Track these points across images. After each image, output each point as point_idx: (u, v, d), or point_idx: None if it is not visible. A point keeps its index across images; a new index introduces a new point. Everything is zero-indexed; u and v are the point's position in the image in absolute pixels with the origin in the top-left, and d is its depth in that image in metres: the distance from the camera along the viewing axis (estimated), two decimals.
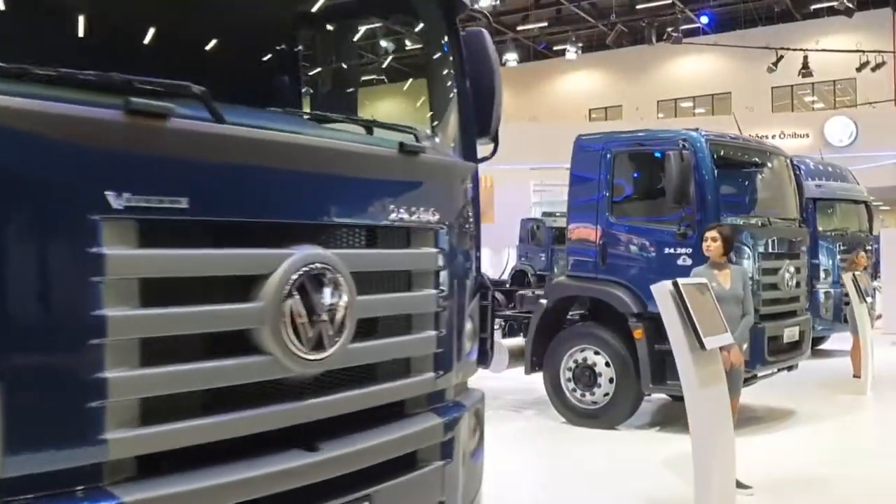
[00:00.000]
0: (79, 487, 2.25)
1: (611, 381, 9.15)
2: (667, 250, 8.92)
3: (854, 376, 12.21)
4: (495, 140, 4.08)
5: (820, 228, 15.82)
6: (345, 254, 2.86)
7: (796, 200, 10.37)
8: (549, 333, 9.80)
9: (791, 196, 10.29)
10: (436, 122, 3.82)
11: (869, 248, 16.82)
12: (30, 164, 2.16)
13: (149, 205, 2.34)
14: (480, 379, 11.43)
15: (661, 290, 5.15)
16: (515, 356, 10.16)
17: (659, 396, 10.14)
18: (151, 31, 3.05)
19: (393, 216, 3.12)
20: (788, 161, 10.44)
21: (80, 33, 3.02)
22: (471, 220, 3.72)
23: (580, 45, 39.74)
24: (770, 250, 9.27)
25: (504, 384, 11.54)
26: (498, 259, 29.12)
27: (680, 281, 5.23)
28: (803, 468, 7.86)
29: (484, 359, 3.89)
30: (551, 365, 9.62)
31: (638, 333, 8.70)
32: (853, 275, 11.84)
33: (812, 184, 15.72)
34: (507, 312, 11.82)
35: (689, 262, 8.75)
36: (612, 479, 7.44)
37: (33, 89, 2.20)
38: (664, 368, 8.55)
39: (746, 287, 6.68)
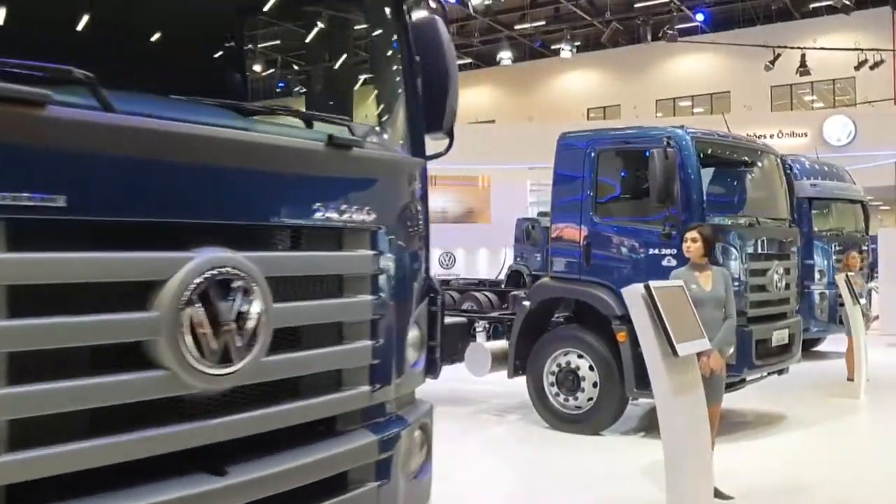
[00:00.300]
0: None
1: (595, 385, 8.89)
2: (651, 251, 8.67)
3: (848, 379, 11.97)
4: (450, 136, 3.82)
5: (815, 228, 15.57)
6: (259, 257, 2.60)
7: (787, 200, 10.10)
8: (534, 336, 9.55)
9: (781, 196, 10.02)
10: (384, 116, 3.57)
11: (865, 248, 16.56)
12: None
13: (18, 203, 2.09)
14: (467, 383, 11.19)
15: (633, 294, 4.89)
16: (499, 359, 9.91)
17: (646, 401, 9.88)
18: (50, 14, 2.76)
19: (319, 215, 2.87)
20: (779, 160, 10.17)
21: None
22: (418, 219, 3.48)
23: (577, 43, 39.70)
24: (758, 251, 9.01)
25: (489, 388, 11.31)
26: (495, 259, 28.95)
27: (653, 284, 4.97)
28: (789, 475, 7.61)
29: (433, 368, 3.62)
30: (535, 368, 9.37)
31: (622, 336, 8.43)
32: (846, 276, 11.57)
33: (807, 183, 15.47)
34: (494, 314, 11.58)
35: (673, 263, 8.48)
36: (592, 485, 7.18)
37: None
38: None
39: (729, 289, 6.41)
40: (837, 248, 15.52)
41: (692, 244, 6.37)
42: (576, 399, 9.04)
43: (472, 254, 33.88)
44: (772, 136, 31.44)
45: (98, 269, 2.27)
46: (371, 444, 3.04)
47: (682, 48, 40.60)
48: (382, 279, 3.14)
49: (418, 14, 3.81)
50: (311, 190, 2.87)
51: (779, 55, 26.99)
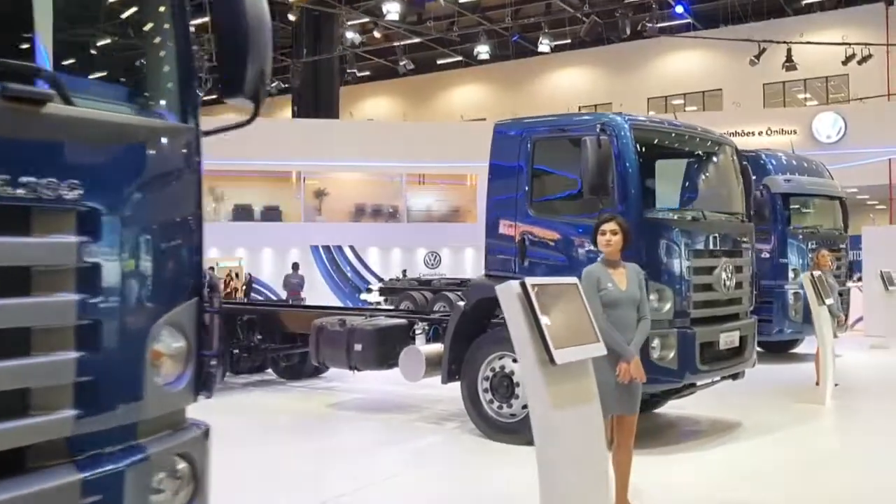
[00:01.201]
0: None
1: None
2: (589, 248, 8.01)
3: (816, 384, 11.31)
4: (256, 101, 3.13)
5: (790, 226, 14.91)
6: None
7: (742, 194, 9.41)
8: (470, 339, 8.90)
9: (736, 189, 9.36)
10: (136, 71, 2.92)
11: (842, 246, 15.89)
12: None
13: None
14: (411, 387, 10.58)
15: (507, 292, 4.23)
16: (434, 363, 9.28)
17: None
18: None
19: None
20: (734, 151, 9.49)
21: None
22: (177, 202, 2.81)
23: (567, 41, 39.04)
24: (704, 247, 8.34)
25: (431, 393, 10.70)
26: (482, 259, 28.37)
27: (532, 281, 4.30)
28: (728, 490, 6.97)
29: (208, 384, 2.96)
30: (468, 373, 8.73)
31: None
32: (811, 275, 10.90)
33: (781, 178, 14.82)
34: (434, 316, 10.95)
35: None
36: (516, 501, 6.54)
37: None
38: None
39: (642, 287, 5.75)
40: (813, 246, 14.86)
41: (612, 237, 5.69)
42: (510, 406, 8.41)
43: (459, 253, 33.28)
44: (761, 134, 30.83)
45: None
46: (72, 485, 2.39)
47: (674, 46, 40.12)
48: (104, 274, 2.51)
49: None
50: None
51: (764, 49, 26.31)
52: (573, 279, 4.98)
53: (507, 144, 8.73)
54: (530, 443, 8.02)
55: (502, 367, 8.44)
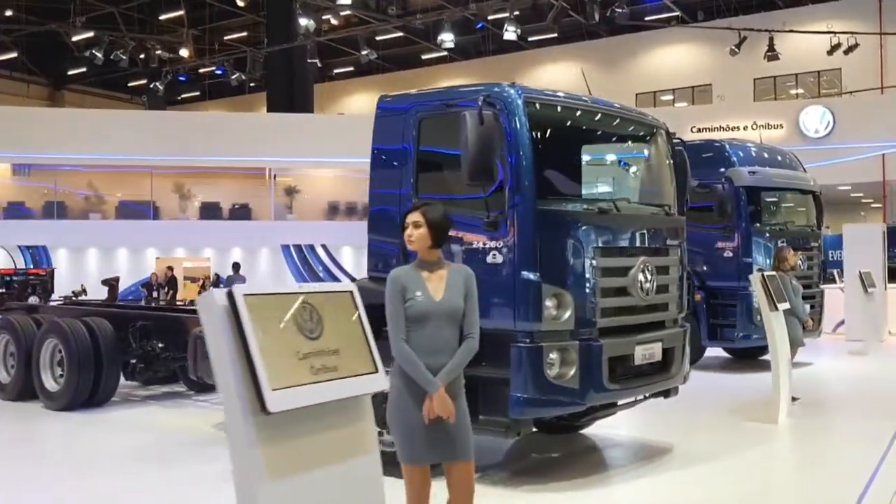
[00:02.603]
0: None
1: None
2: (476, 244, 6.76)
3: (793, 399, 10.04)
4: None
5: (755, 223, 13.63)
6: None
7: (674, 183, 8.10)
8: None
9: (665, 178, 8.06)
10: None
11: (815, 245, 14.58)
12: None
13: None
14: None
15: (209, 306, 2.96)
16: None
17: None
18: None
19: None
20: (666, 134, 8.18)
21: None
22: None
23: (553, 35, 37.71)
24: (614, 244, 7.06)
25: None
26: None
27: (248, 290, 3.04)
28: None
29: None
30: None
31: None
32: (762, 275, 9.61)
33: (744, 171, 13.54)
34: None
35: (499, 259, 6.63)
36: None
37: None
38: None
39: (471, 296, 4.45)
40: (782, 245, 13.59)
41: (414, 230, 4.41)
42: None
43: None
44: (745, 129, 29.48)
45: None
46: None
47: (662, 40, 38.93)
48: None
49: None
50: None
51: (744, 38, 24.96)
52: (348, 285, 3.74)
53: (392, 124, 7.47)
54: None
55: None
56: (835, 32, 25.67)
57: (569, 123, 7.48)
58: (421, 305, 4.27)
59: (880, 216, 30.71)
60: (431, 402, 4.17)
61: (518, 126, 6.58)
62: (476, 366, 5.09)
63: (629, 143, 8.20)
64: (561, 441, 8.49)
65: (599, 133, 8.06)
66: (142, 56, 31.01)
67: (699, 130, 28.70)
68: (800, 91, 36.12)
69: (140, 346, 10.89)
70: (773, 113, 29.69)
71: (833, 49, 25.29)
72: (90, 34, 30.80)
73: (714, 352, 14.90)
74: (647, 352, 7.14)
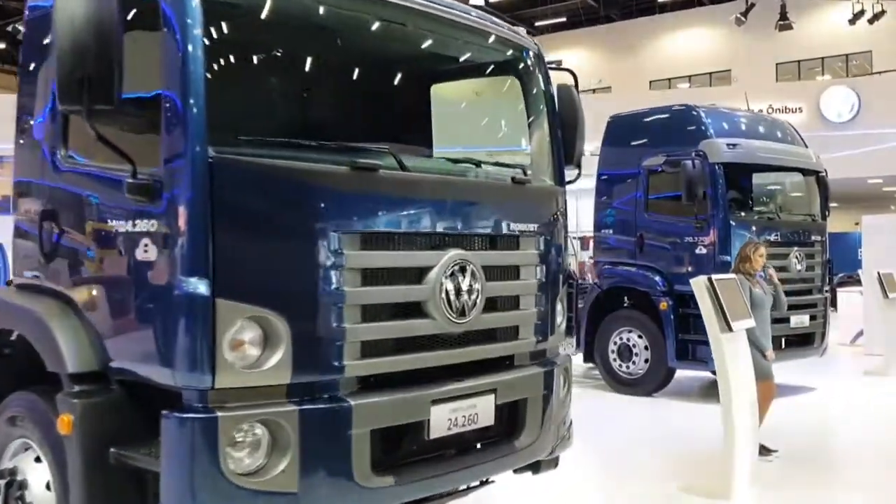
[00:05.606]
0: None
1: None
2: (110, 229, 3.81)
3: (761, 452, 7.01)
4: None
5: (737, 210, 10.60)
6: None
7: (552, 137, 5.06)
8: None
9: (521, 125, 5.04)
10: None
11: (818, 239, 11.33)
12: None
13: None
14: None
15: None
16: None
17: None
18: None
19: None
20: (535, 58, 5.15)
21: None
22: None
23: (562, 19, 34.94)
24: (393, 228, 4.06)
25: None
26: None
27: None
28: None
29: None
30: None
31: None
32: (709, 280, 6.48)
33: (722, 143, 10.44)
34: None
35: (151, 254, 3.65)
36: None
37: None
38: None
39: None
40: (773, 237, 10.53)
41: None
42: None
43: None
44: (761, 112, 26.29)
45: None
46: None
47: (679, 24, 35.99)
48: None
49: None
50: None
51: (752, 4, 21.80)
52: None
53: None
54: None
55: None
56: None
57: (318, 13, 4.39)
58: None
59: None
60: None
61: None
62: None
63: (448, 64, 5.18)
64: None
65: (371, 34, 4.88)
66: None
67: None
68: (826, 77, 32.83)
69: None
70: (791, 95, 26.35)
71: (855, 18, 21.98)
72: None
73: (695, 373, 11.57)
74: (457, 415, 4.13)
